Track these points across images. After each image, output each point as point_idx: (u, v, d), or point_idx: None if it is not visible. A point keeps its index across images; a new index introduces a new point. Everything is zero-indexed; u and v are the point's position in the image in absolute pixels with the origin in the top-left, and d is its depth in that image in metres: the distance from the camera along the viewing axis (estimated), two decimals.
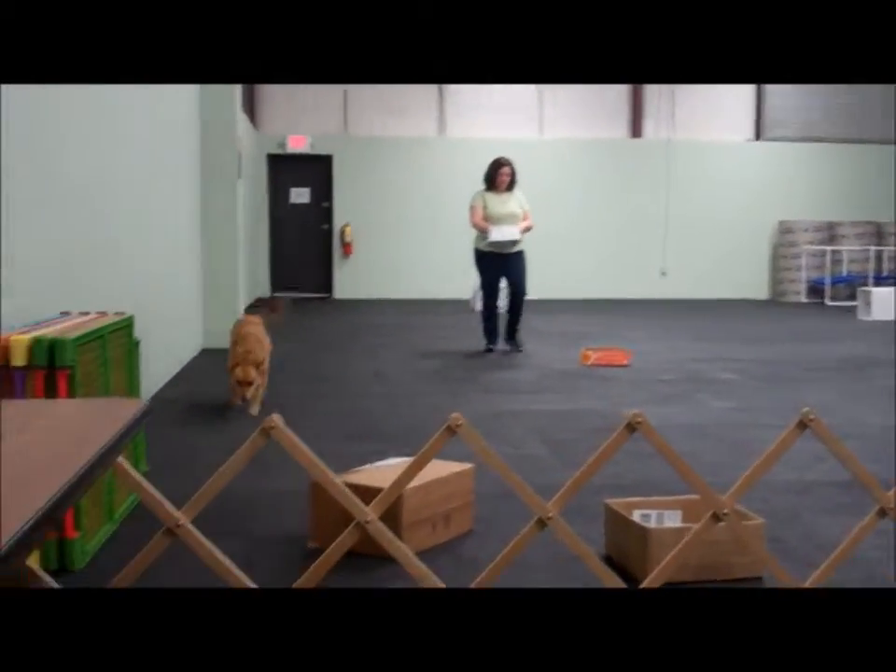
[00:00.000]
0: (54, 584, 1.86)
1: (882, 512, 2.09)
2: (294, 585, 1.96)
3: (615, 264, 17.10)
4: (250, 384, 6.14)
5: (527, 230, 9.61)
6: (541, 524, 1.95)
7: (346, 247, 16.76)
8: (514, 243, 9.49)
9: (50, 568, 3.46)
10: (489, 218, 9.46)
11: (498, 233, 9.41)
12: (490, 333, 9.81)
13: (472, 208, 9.60)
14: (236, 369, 6.13)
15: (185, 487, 3.16)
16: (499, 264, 9.59)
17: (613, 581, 1.98)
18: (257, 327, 6.63)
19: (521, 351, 9.66)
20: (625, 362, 8.88)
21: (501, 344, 9.80)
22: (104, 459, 1.42)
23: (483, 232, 9.49)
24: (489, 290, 9.79)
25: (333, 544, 1.98)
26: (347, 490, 1.97)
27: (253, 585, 1.94)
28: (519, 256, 9.64)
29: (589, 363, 8.87)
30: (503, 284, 9.90)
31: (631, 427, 1.96)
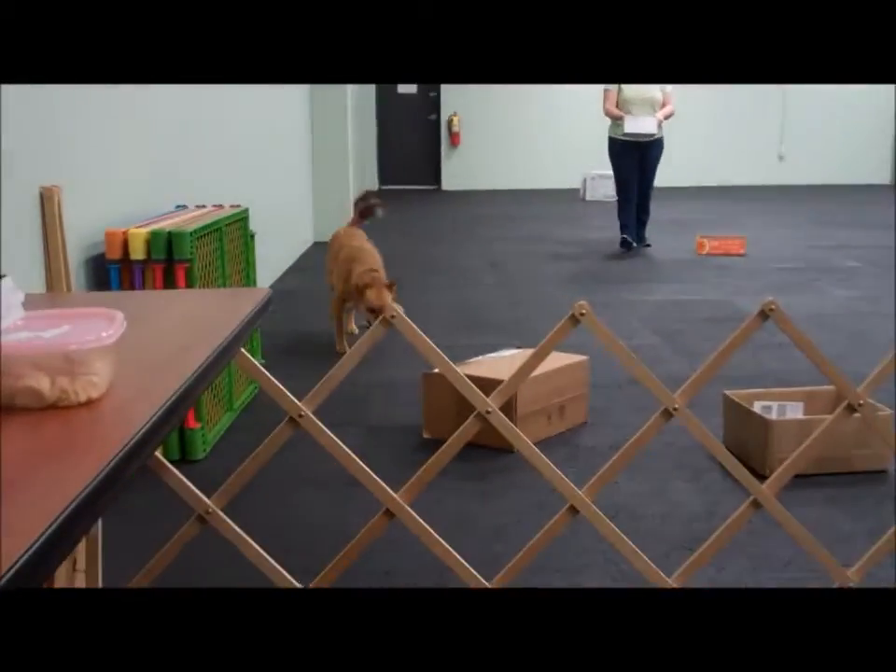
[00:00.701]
0: (179, 475, 1.89)
1: None
2: (416, 475, 1.96)
3: (731, 149, 16.53)
4: (381, 310, 4.66)
5: (668, 116, 8.61)
6: (668, 414, 1.90)
7: (454, 138, 16.56)
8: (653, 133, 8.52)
9: (172, 458, 3.57)
10: (624, 104, 8.51)
11: (634, 125, 8.44)
12: (626, 227, 8.95)
13: (605, 91, 8.66)
14: (367, 291, 4.97)
15: (302, 377, 3.20)
16: (637, 156, 8.63)
17: (738, 471, 1.93)
18: (364, 240, 5.63)
19: (649, 246, 9.05)
20: (742, 251, 8.64)
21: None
22: (229, 348, 1.42)
23: (616, 120, 8.56)
24: (624, 185, 8.82)
25: (455, 434, 1.97)
26: (468, 380, 1.95)
27: (372, 474, 1.94)
28: (657, 147, 8.68)
29: (704, 252, 8.65)
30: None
31: (764, 315, 1.88)
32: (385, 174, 16.83)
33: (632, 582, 2.67)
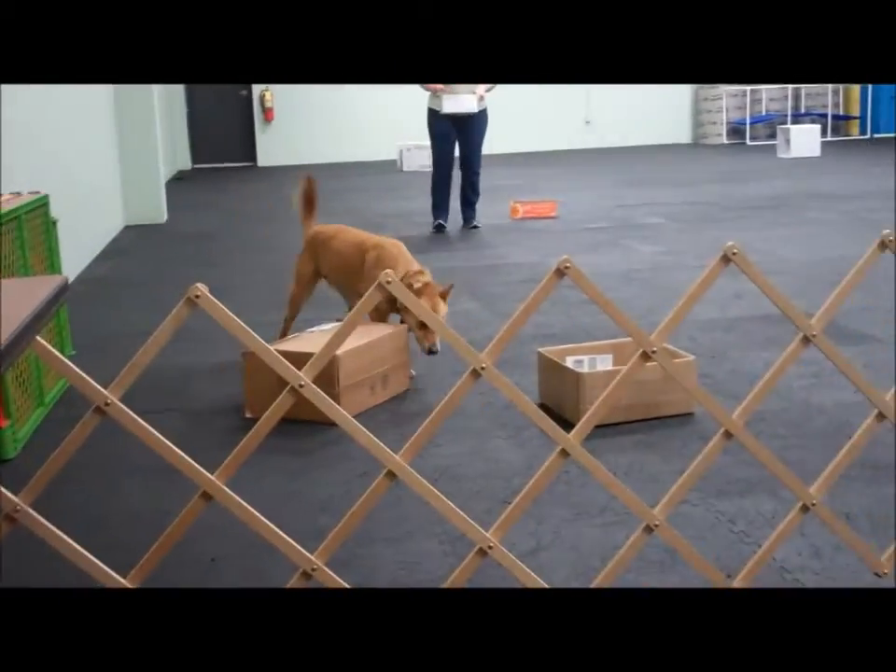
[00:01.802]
0: None
1: (806, 340, 2.13)
2: (231, 455, 1.96)
3: (539, 116, 16.91)
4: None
5: (490, 88, 8.28)
6: (476, 374, 1.95)
7: (267, 113, 16.33)
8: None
9: None
10: None
11: (453, 104, 8.02)
12: (438, 208, 8.39)
13: None
14: (421, 300, 3.88)
15: (116, 367, 3.12)
16: (456, 131, 8.19)
17: (544, 422, 2.01)
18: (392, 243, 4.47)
19: (476, 227, 8.45)
20: (554, 213, 8.88)
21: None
22: (22, 337, 1.38)
23: (435, 93, 8.12)
24: (440, 162, 8.31)
25: (268, 410, 1.97)
26: (279, 356, 1.95)
27: (186, 457, 1.93)
28: (480, 121, 8.19)
29: (518, 216, 8.85)
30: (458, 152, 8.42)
31: (560, 273, 1.96)
32: (197, 153, 16.44)
33: (455, 544, 2.74)
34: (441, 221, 8.35)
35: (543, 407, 3.76)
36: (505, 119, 16.59)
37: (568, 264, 1.99)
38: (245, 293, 6.16)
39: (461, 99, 8.04)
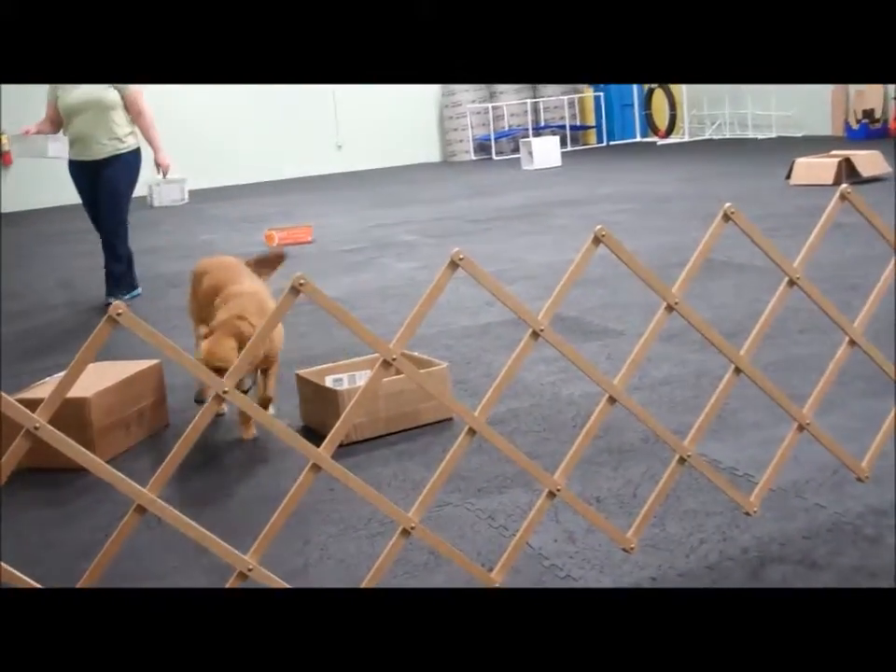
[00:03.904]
0: None
1: (535, 335, 2.26)
2: None
3: (291, 143, 16.92)
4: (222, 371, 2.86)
5: (142, 121, 6.42)
6: (220, 399, 1.96)
7: (5, 157, 15.51)
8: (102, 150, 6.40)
9: None
10: (67, 111, 6.37)
11: (55, 147, 6.44)
12: (111, 277, 6.76)
13: (48, 98, 6.49)
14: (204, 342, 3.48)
15: None
16: (90, 178, 6.52)
17: (295, 441, 2.04)
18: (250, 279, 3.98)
19: (136, 294, 6.90)
20: (310, 238, 8.91)
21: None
22: None
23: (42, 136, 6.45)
24: (91, 214, 6.72)
25: (4, 457, 1.90)
26: (12, 401, 1.88)
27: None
28: (119, 165, 6.46)
29: (273, 244, 8.83)
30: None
31: (295, 291, 2.00)
32: None
33: (224, 573, 2.71)
34: (110, 298, 6.62)
35: (307, 429, 3.77)
36: (257, 147, 16.53)
37: (303, 281, 2.03)
38: None
39: (61, 142, 6.48)
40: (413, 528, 2.21)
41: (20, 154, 7.15)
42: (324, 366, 4.04)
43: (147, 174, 13.12)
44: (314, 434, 3.64)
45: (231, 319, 3.51)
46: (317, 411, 3.76)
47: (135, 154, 6.58)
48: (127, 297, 6.77)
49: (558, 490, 2.35)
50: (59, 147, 6.44)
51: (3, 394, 1.90)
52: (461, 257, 2.18)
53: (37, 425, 1.90)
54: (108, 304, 6.11)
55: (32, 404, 2.07)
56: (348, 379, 3.90)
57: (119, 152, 6.46)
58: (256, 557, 2.08)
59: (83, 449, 1.99)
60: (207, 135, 15.89)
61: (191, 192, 14.53)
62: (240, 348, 3.35)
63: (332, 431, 2.16)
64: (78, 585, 1.98)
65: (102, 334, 1.91)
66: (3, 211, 15.46)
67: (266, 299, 3.82)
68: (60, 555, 2.94)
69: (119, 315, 1.90)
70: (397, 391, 3.61)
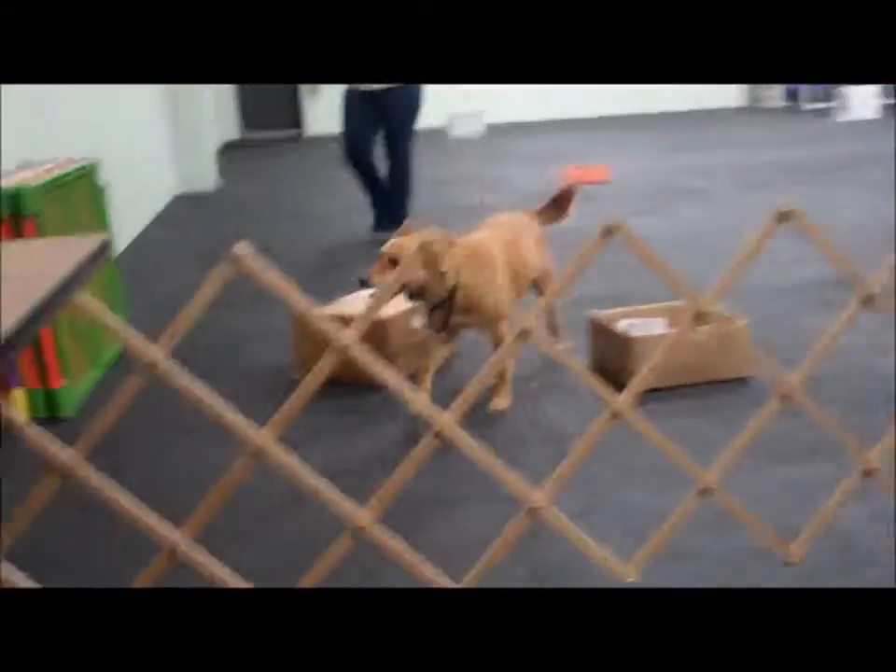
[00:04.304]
0: (36, 431, 1.84)
1: (866, 301, 2.06)
2: (279, 412, 1.95)
3: None
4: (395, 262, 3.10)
5: None
6: (525, 335, 1.92)
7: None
8: None
9: (38, 416, 3.47)
10: None
11: None
12: (377, 206, 6.67)
13: None
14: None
15: (167, 329, 3.14)
16: (373, 112, 6.42)
17: (598, 386, 1.96)
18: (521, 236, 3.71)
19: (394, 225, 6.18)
20: (605, 178, 8.78)
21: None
22: (59, 295, 1.37)
23: None
24: (351, 151, 6.47)
25: (312, 370, 1.96)
26: (325, 316, 1.93)
27: (235, 415, 1.92)
28: (404, 99, 6.39)
29: (568, 182, 8.76)
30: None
31: (609, 231, 1.91)
32: (245, 122, 16.46)
33: (505, 505, 2.72)
34: (378, 227, 6.68)
35: (594, 372, 3.72)
36: (554, 85, 16.43)
37: (619, 224, 1.95)
38: (292, 259, 6.16)
39: None
40: (711, 488, 2.11)
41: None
42: (616, 310, 3.95)
43: (445, 103, 13.17)
44: (601, 377, 3.57)
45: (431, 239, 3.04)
46: (607, 355, 3.69)
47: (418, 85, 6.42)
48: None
49: (873, 469, 2.17)
50: None
51: (317, 310, 1.95)
52: (790, 209, 2.03)
53: (347, 342, 1.95)
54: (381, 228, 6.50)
55: (335, 320, 2.12)
56: (642, 325, 3.80)
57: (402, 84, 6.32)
58: (549, 496, 2.06)
59: (390, 370, 2.03)
60: None
61: (489, 126, 14.69)
62: (425, 265, 3.02)
63: (635, 380, 2.08)
64: (370, 504, 2.03)
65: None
66: (309, 134, 16.24)
67: (490, 248, 3.34)
68: (358, 458, 3.05)
69: (436, 249, 1.90)
70: (693, 343, 3.48)
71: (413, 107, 6.46)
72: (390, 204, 6.61)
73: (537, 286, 3.78)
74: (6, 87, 4.44)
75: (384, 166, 6.56)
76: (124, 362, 4.14)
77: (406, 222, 3.14)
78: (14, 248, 1.88)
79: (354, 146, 6.41)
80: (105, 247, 1.67)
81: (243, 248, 1.87)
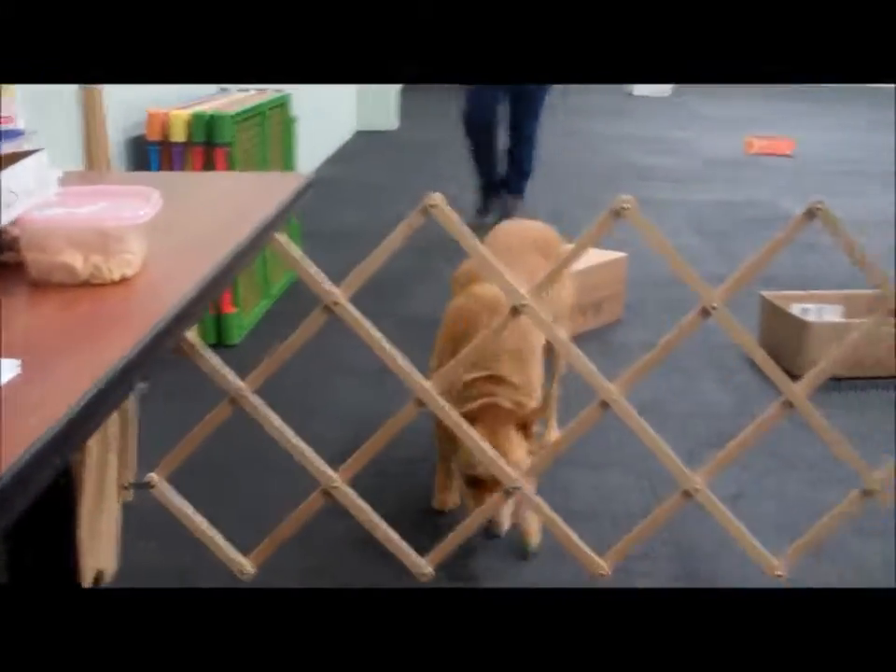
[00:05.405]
0: (212, 357, 1.92)
1: None
2: (448, 365, 1.97)
3: None
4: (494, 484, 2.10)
5: None
6: (705, 312, 1.88)
7: None
8: None
9: (208, 342, 3.62)
10: None
11: None
12: (488, 181, 5.66)
13: None
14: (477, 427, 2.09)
15: (340, 265, 3.22)
16: None
17: (772, 370, 1.92)
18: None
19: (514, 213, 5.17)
20: (790, 152, 8.45)
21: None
22: (265, 232, 1.42)
23: None
24: (473, 117, 5.57)
25: (491, 326, 1.97)
26: (503, 273, 1.94)
27: (404, 362, 1.95)
28: None
29: (752, 151, 8.48)
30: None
31: (811, 215, 1.85)
32: None
33: (653, 479, 2.69)
34: (484, 207, 5.63)
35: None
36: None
37: (820, 206, 1.88)
38: (470, 204, 6.18)
39: None
40: (877, 491, 2.04)
41: None
42: (790, 292, 3.82)
43: None
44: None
45: (492, 400, 2.25)
46: (777, 338, 3.57)
47: None
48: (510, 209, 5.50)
49: None
50: None
51: (495, 264, 1.95)
52: None
53: (525, 302, 1.94)
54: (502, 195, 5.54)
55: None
56: (815, 311, 3.67)
57: None
58: (705, 479, 2.03)
59: (562, 333, 2.02)
60: None
61: (676, 87, 14.31)
62: (524, 430, 2.23)
63: (815, 370, 2.02)
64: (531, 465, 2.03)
65: (605, 224, 1.89)
66: None
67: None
68: None
69: (625, 209, 1.87)
70: (871, 334, 3.33)
71: None
72: (505, 186, 5.70)
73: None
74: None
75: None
76: (292, 294, 4.26)
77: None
78: (227, 179, 1.96)
79: (476, 110, 5.44)
80: (307, 186, 1.72)
81: (435, 199, 1.88)
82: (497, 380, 2.27)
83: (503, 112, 5.52)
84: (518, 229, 2.93)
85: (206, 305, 1.17)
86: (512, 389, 2.26)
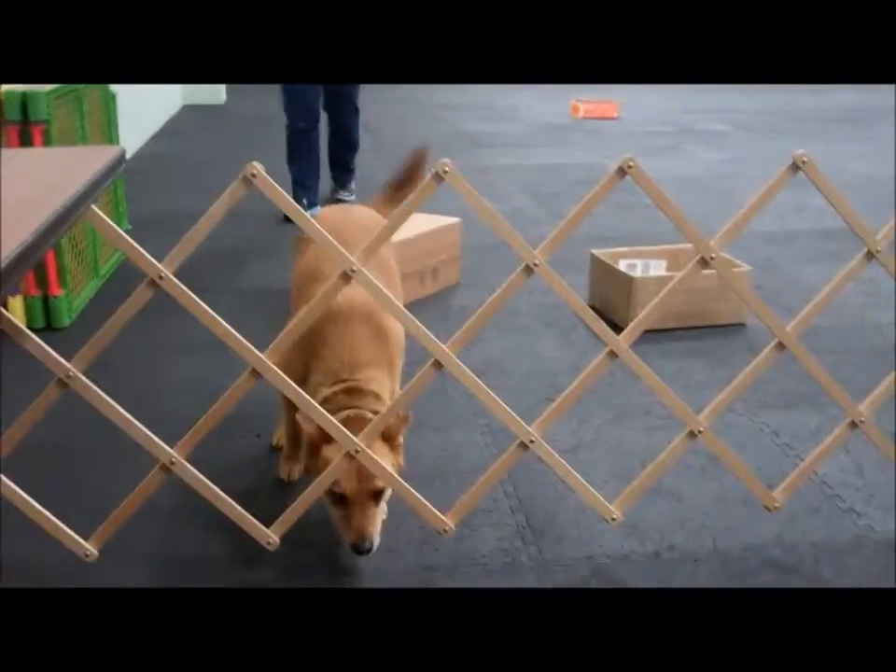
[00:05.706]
0: (39, 342, 1.86)
1: (870, 255, 2.08)
2: (281, 334, 1.96)
3: None
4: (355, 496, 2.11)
5: None
6: (529, 270, 1.94)
7: None
8: None
9: (36, 326, 3.49)
10: None
11: None
12: (300, 183, 5.26)
13: None
14: (325, 449, 2.11)
15: (170, 243, 3.15)
16: None
17: (596, 324, 1.99)
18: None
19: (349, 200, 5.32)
20: (615, 115, 8.70)
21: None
22: (76, 205, 1.38)
23: None
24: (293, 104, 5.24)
25: (322, 291, 1.97)
26: (330, 238, 1.94)
27: (236, 335, 1.94)
28: None
29: (578, 116, 8.69)
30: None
31: (622, 172, 1.92)
32: None
33: (496, 436, 2.76)
34: (303, 198, 5.16)
35: (593, 309, 3.73)
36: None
37: (632, 164, 1.95)
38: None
39: None
40: (700, 432, 2.15)
41: None
42: (618, 249, 3.95)
43: None
44: (599, 315, 3.59)
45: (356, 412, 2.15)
46: (607, 293, 3.70)
47: None
48: (350, 196, 5.52)
49: (861, 421, 2.20)
50: None
51: (323, 232, 1.96)
52: (804, 160, 2.03)
53: (354, 268, 1.95)
54: (339, 200, 5.31)
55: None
56: (642, 266, 3.81)
57: None
58: (540, 430, 2.09)
59: (393, 298, 2.04)
60: None
61: None
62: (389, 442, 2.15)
63: (635, 322, 2.11)
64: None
65: (427, 190, 1.92)
66: None
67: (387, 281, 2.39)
68: None
69: (446, 172, 1.90)
70: (693, 287, 3.49)
71: None
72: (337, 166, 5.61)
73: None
74: None
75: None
76: (122, 274, 4.15)
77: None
78: (37, 154, 1.89)
79: (298, 116, 5.24)
80: (120, 159, 1.68)
81: (255, 167, 1.86)
82: (358, 392, 2.18)
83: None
84: (342, 212, 2.82)
85: (12, 284, 1.13)
86: (374, 400, 2.18)
